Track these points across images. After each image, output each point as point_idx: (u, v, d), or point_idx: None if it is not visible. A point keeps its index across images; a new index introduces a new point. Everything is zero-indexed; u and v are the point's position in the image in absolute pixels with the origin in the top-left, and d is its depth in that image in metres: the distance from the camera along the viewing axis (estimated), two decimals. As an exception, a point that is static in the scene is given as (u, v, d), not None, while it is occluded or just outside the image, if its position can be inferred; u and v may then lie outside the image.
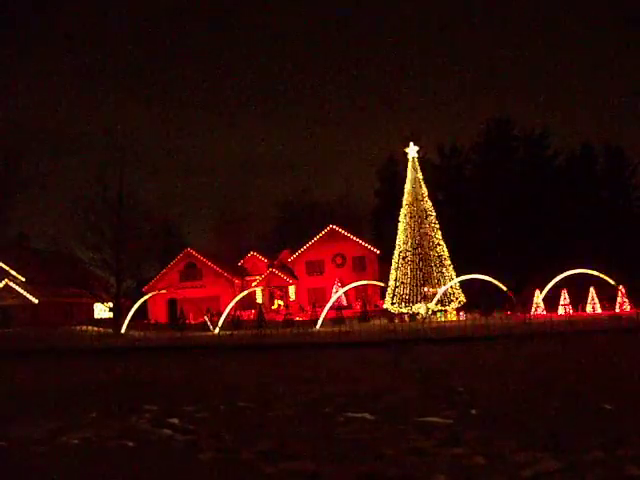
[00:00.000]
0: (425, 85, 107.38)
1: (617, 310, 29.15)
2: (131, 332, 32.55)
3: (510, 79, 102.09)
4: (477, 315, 29.97)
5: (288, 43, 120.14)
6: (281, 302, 42.45)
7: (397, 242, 33.39)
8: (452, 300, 31.69)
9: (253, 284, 42.87)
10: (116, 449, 5.80)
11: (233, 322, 32.70)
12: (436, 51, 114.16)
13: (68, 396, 9.93)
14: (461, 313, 31.20)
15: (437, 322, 29.07)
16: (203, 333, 30.16)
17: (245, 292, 36.19)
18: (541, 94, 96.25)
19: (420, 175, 33.89)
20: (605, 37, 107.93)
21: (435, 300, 30.51)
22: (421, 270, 32.06)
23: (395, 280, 32.63)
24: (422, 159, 35.98)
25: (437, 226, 33.11)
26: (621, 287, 29.89)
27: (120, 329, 32.72)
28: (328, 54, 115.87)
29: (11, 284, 40.15)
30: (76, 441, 6.16)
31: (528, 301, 30.51)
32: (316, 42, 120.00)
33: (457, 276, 31.87)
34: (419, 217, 32.97)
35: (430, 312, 30.55)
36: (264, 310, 35.54)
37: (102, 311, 43.41)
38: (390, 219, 37.84)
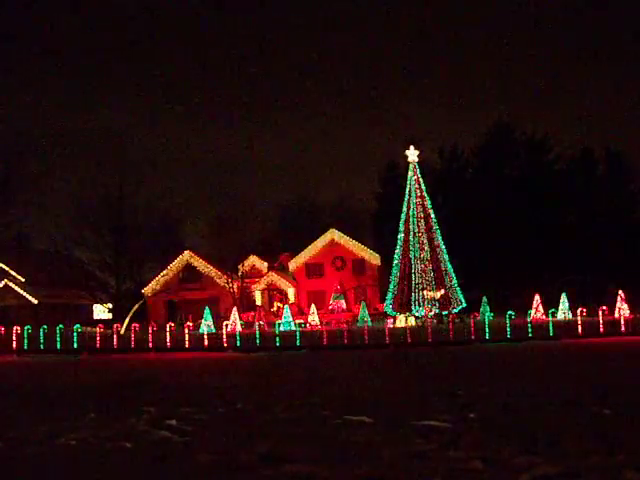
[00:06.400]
0: (426, 88, 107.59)
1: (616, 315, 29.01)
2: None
3: (511, 83, 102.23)
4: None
5: (289, 43, 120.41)
6: (280, 304, 42.38)
7: (397, 246, 33.35)
8: (452, 304, 31.62)
9: (253, 286, 42.78)
10: (114, 450, 5.79)
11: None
12: (437, 54, 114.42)
13: (66, 397, 9.90)
14: (461, 317, 31.05)
15: (437, 325, 28.98)
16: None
17: (244, 294, 36.11)
18: (542, 98, 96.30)
19: (421, 179, 33.87)
20: (605, 39, 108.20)
21: (434, 304, 30.45)
22: (421, 274, 32.01)
23: (395, 284, 32.57)
24: (423, 163, 35.97)
25: (437, 230, 33.07)
26: (621, 292, 29.72)
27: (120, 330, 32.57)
28: (329, 55, 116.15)
29: (11, 284, 40.11)
30: (74, 442, 6.14)
31: (528, 304, 30.41)
32: (317, 42, 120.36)
33: (457, 280, 31.80)
34: (419, 221, 32.93)
35: (429, 315, 30.46)
36: (263, 313, 35.47)
37: (101, 312, 43.32)
38: (390, 222, 37.80)
